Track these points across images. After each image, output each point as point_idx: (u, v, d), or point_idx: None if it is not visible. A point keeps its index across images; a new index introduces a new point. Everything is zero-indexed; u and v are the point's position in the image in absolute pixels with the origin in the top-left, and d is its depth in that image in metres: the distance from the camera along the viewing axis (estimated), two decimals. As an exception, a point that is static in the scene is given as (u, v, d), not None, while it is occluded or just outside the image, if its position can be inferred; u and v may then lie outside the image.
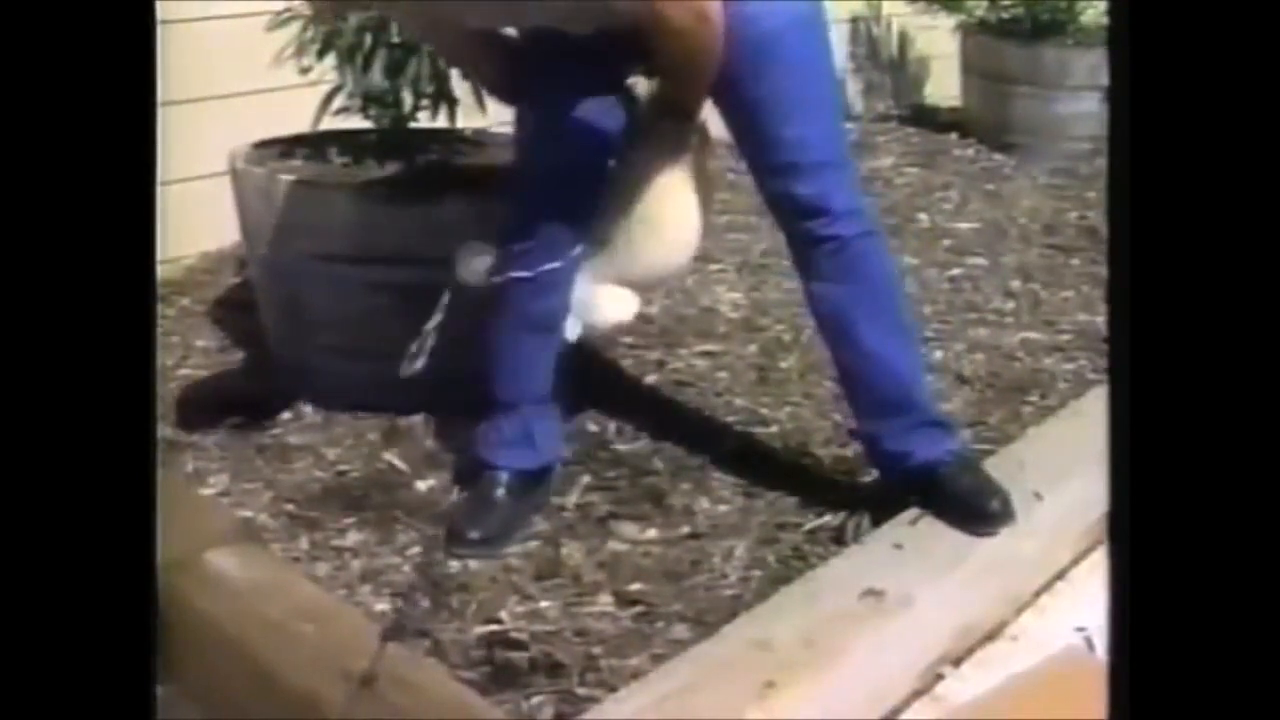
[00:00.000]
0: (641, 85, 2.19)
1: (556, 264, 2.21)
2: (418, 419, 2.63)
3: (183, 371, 2.86)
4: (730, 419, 2.73)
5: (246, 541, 2.16)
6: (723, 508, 2.38)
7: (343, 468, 2.49)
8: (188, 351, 2.97)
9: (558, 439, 2.39)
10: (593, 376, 2.44)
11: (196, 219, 3.16)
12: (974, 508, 2.20)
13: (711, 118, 2.26)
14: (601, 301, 2.26)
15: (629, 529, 2.31)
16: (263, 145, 2.84)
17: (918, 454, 2.25)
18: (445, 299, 2.25)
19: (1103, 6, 4.91)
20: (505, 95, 2.39)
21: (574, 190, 2.20)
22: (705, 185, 2.30)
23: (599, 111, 2.18)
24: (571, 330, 2.27)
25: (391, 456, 2.52)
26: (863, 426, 2.33)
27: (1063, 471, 2.36)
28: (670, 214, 2.25)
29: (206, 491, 2.40)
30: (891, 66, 5.50)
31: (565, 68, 2.13)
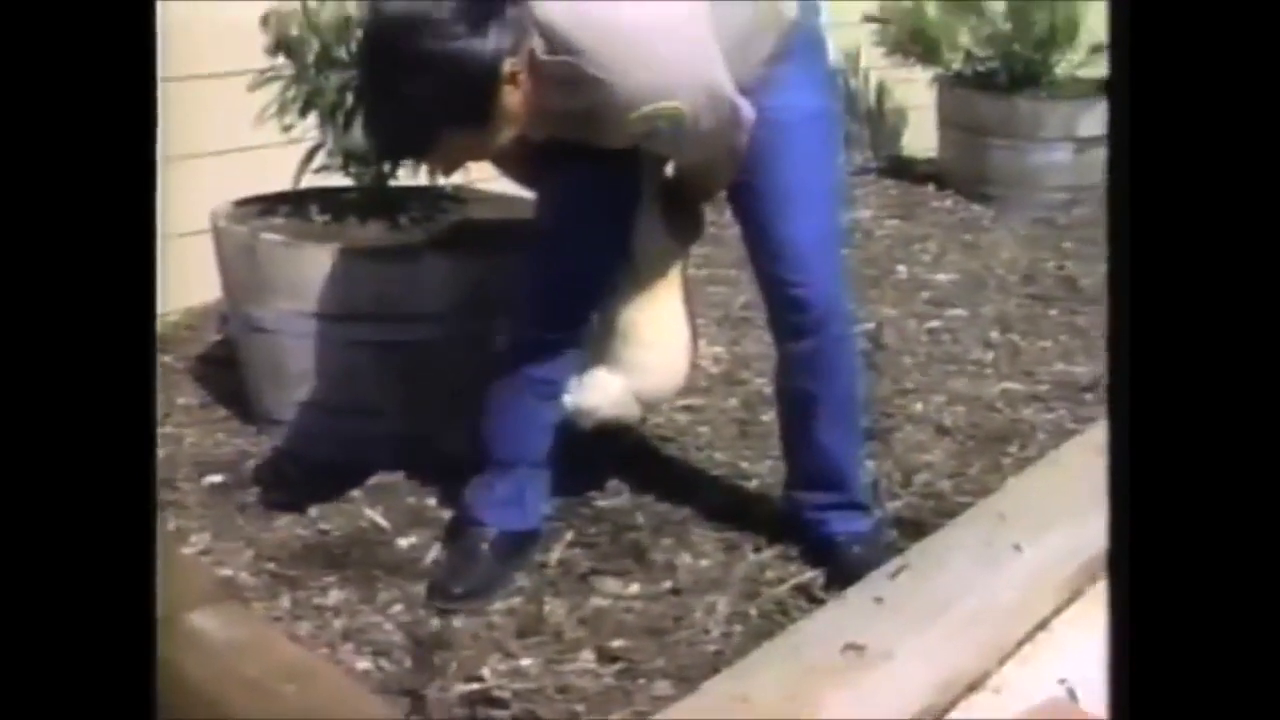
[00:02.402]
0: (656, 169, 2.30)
1: (562, 334, 2.28)
2: (399, 476, 2.63)
3: (165, 430, 2.85)
4: (712, 473, 2.74)
5: (227, 600, 2.15)
6: (704, 562, 2.38)
7: (324, 525, 2.48)
8: (169, 409, 2.96)
9: (545, 504, 2.40)
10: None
11: (179, 275, 3.16)
12: (855, 576, 2.23)
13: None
14: (598, 387, 2.32)
15: (611, 585, 2.31)
16: (244, 203, 2.85)
17: (830, 525, 2.36)
18: None
19: (1076, 59, 4.97)
20: (521, 179, 2.44)
21: (584, 266, 2.26)
22: (693, 317, 2.43)
23: (615, 194, 2.24)
24: (569, 403, 2.32)
25: (373, 514, 2.52)
26: (790, 490, 2.45)
27: (1043, 522, 2.37)
28: (665, 339, 2.37)
29: (187, 550, 2.40)
30: (869, 118, 5.55)
31: (583, 157, 2.15)
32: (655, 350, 2.36)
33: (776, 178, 2.19)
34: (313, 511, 2.52)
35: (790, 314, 2.26)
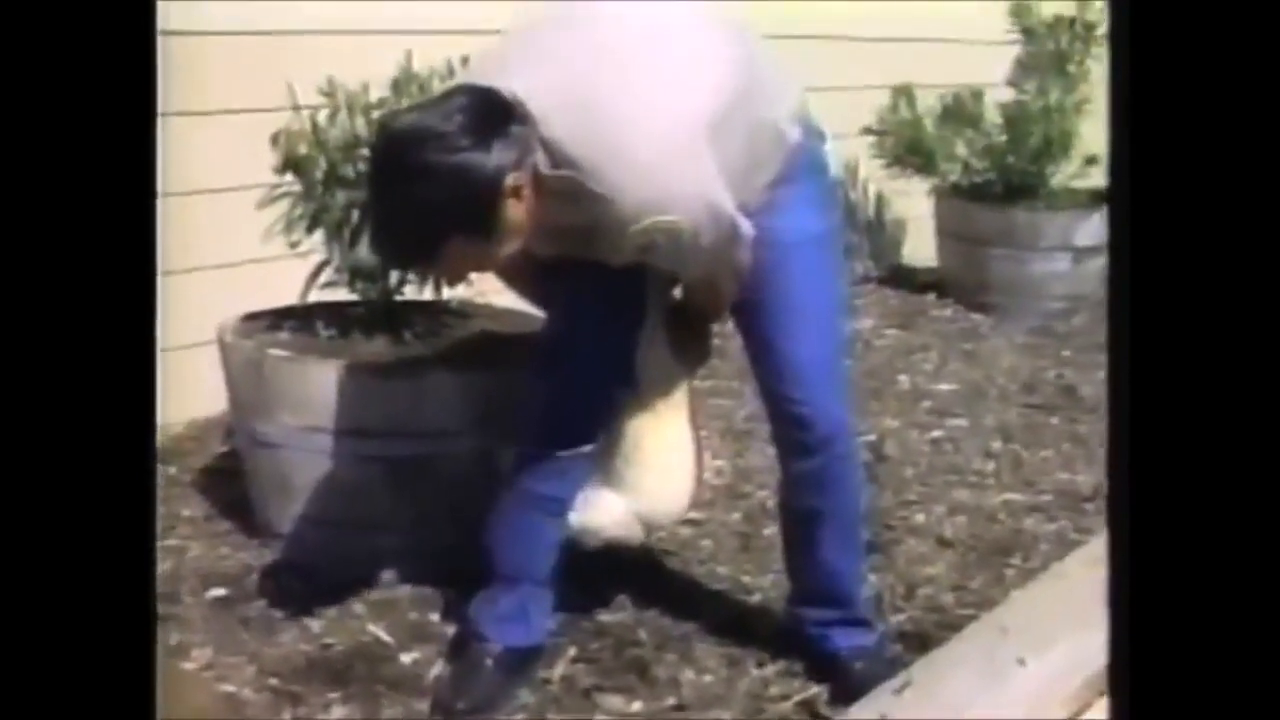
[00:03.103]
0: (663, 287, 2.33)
1: (569, 452, 2.28)
2: (404, 590, 2.63)
3: (168, 542, 2.86)
4: (715, 587, 2.74)
5: (230, 718, 2.15)
6: (708, 678, 2.38)
7: (328, 640, 2.48)
8: (173, 521, 2.96)
9: (549, 620, 2.40)
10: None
11: (184, 387, 3.18)
12: (859, 692, 2.23)
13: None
14: (603, 507, 2.33)
15: (614, 701, 2.30)
16: (251, 318, 2.88)
17: (834, 641, 2.37)
18: None
19: (1070, 170, 5.05)
20: (530, 297, 2.47)
21: (591, 385, 2.28)
22: (699, 440, 2.45)
23: (623, 314, 2.27)
24: (575, 523, 2.33)
25: (377, 629, 2.51)
26: (793, 605, 2.46)
27: (1046, 636, 2.36)
28: (669, 462, 2.39)
29: (189, 666, 2.39)
30: (869, 229, 5.61)
31: (589, 275, 2.17)
32: (659, 474, 2.38)
33: (780, 297, 2.22)
34: (316, 626, 2.52)
35: (794, 432, 2.28)
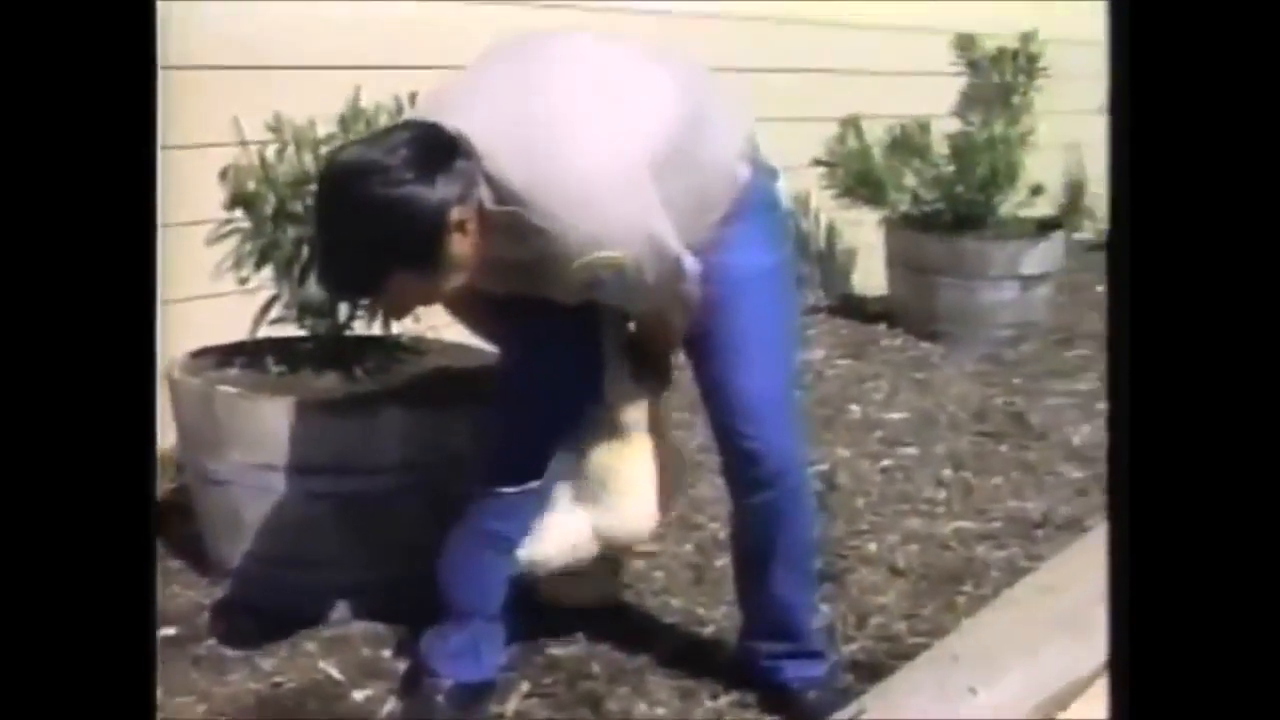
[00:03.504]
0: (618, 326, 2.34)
1: (517, 489, 2.28)
2: (355, 627, 2.62)
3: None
4: (667, 620, 2.74)
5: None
6: (661, 710, 2.38)
7: (278, 678, 2.46)
8: (122, 560, 2.93)
9: (500, 655, 2.40)
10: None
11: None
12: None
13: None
14: (549, 538, 2.32)
15: (566, 736, 2.30)
16: (200, 354, 2.87)
17: (785, 673, 2.38)
18: None
19: (1017, 199, 5.11)
20: (484, 335, 2.48)
21: (545, 424, 2.29)
22: (668, 460, 2.45)
23: (574, 351, 2.28)
24: (523, 557, 2.32)
25: (328, 666, 2.50)
26: (746, 638, 2.46)
27: (997, 664, 2.38)
28: (639, 485, 2.39)
29: (138, 707, 2.37)
30: (820, 259, 5.65)
31: (540, 312, 2.17)
32: (629, 496, 2.37)
33: (730, 332, 2.22)
34: (267, 664, 2.50)
35: (745, 466, 2.28)
